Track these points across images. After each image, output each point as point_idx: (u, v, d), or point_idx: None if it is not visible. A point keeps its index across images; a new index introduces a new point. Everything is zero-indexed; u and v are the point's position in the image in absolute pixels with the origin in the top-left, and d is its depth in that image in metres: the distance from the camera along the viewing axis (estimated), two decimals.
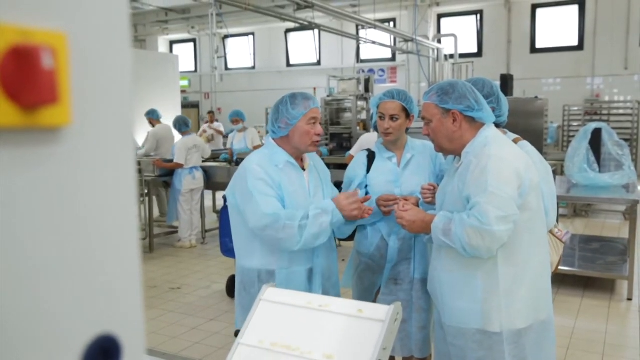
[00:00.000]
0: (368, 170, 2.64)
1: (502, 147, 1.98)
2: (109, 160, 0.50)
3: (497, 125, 2.29)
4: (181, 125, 6.76)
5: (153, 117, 7.69)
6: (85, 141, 0.47)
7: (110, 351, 0.49)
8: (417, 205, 2.42)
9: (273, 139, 2.36)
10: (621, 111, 11.69)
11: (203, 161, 7.03)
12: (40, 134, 0.43)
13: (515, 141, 2.36)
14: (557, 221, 2.76)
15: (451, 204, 2.04)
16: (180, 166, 6.55)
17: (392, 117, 2.55)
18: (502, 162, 1.92)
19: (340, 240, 2.73)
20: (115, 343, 0.49)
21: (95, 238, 0.48)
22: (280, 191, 2.25)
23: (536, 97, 6.73)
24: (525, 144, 2.41)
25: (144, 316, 0.53)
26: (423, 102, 2.14)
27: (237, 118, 7.95)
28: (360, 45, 13.26)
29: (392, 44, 12.44)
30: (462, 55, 13.11)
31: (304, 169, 2.38)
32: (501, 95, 2.35)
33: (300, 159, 2.39)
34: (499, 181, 1.88)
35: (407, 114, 2.59)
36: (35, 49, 0.40)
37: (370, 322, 1.66)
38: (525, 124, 5.95)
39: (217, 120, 12.55)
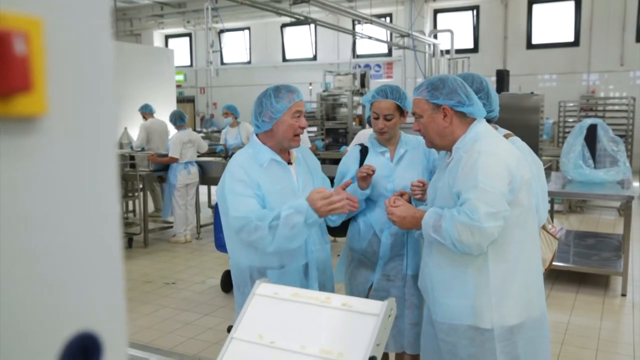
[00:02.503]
0: (361, 165, 2.63)
1: (492, 143, 1.97)
2: (89, 152, 0.48)
3: (489, 120, 2.27)
4: (177, 119, 6.74)
5: (146, 112, 7.68)
6: (63, 132, 0.46)
7: (90, 349, 0.47)
8: (410, 201, 2.41)
9: (257, 135, 2.31)
10: (616, 107, 11.71)
11: (198, 156, 7.01)
12: (15, 124, 0.42)
13: (506, 137, 2.34)
14: (552, 217, 2.75)
15: (442, 200, 2.03)
16: (175, 160, 6.53)
17: (386, 117, 2.54)
18: (493, 158, 1.91)
19: (334, 235, 2.71)
20: (95, 341, 0.47)
21: (74, 233, 0.47)
22: (260, 191, 2.17)
23: (532, 93, 6.72)
24: (516, 139, 2.40)
25: (125, 312, 0.51)
26: (413, 98, 2.12)
27: (227, 111, 7.89)
28: (357, 41, 13.23)
29: (388, 39, 12.43)
30: (458, 51, 13.11)
31: (290, 163, 2.34)
32: (491, 90, 2.33)
33: (286, 153, 2.34)
34: (489, 177, 1.87)
35: (401, 111, 2.58)
36: (6, 34, 0.38)
37: (364, 318, 1.65)
38: (521, 120, 5.95)
39: None
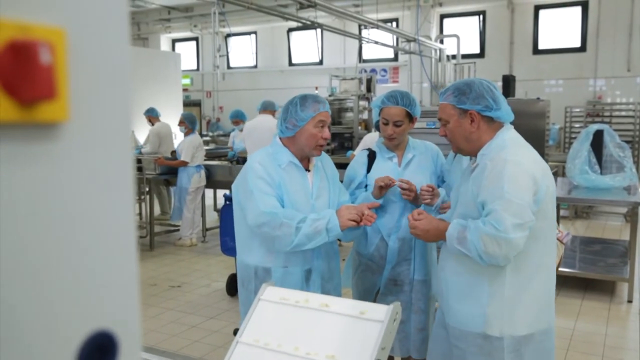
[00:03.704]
0: (368, 170, 2.64)
1: (519, 152, 1.94)
2: (107, 157, 0.50)
3: None
4: (193, 123, 6.76)
5: (152, 115, 7.69)
6: (83, 137, 0.47)
7: (106, 347, 0.49)
8: (416, 196, 2.44)
9: (280, 138, 2.37)
10: (623, 113, 11.67)
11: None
12: (39, 130, 0.43)
13: None
14: (558, 223, 2.76)
15: (464, 206, 2.01)
16: (185, 164, 6.53)
17: (395, 123, 2.55)
18: (519, 168, 1.87)
19: (340, 240, 2.73)
20: (111, 339, 0.49)
21: (92, 235, 0.48)
22: (280, 190, 2.25)
23: (538, 98, 6.71)
24: None
25: (140, 312, 0.53)
26: (440, 103, 2.09)
27: (237, 119, 7.95)
28: (363, 45, 13.25)
29: (395, 44, 12.43)
30: (464, 56, 13.10)
31: (308, 170, 2.38)
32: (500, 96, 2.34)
33: (306, 160, 2.38)
34: (515, 187, 1.83)
35: (411, 117, 2.59)
36: (33, 44, 0.40)
37: (369, 322, 1.66)
38: (527, 125, 5.93)
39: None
